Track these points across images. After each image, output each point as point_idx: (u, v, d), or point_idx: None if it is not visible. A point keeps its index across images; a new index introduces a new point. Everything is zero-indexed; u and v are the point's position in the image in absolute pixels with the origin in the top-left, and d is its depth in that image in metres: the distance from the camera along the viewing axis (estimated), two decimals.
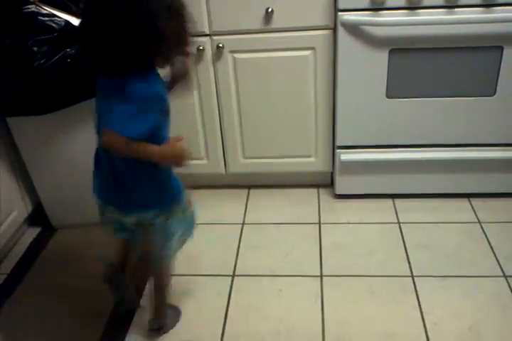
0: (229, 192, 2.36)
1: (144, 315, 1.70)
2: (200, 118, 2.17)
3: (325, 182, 2.35)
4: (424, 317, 1.65)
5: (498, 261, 1.87)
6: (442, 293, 1.74)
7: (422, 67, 1.97)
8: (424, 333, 1.59)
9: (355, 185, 2.23)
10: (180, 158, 1.28)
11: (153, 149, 1.25)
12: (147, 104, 1.20)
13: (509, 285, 1.76)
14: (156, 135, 1.27)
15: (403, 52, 1.93)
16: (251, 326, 1.65)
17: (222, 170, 2.29)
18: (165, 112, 1.30)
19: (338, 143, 2.13)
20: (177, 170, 1.41)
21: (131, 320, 1.71)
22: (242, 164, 2.27)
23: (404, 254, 1.93)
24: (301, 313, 1.70)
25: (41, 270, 1.96)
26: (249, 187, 2.38)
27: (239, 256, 1.97)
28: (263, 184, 2.38)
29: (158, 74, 1.27)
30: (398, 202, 2.22)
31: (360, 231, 2.08)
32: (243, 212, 2.23)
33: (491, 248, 1.94)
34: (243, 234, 2.09)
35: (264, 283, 1.84)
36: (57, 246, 2.08)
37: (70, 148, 2.00)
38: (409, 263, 1.88)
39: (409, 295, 1.75)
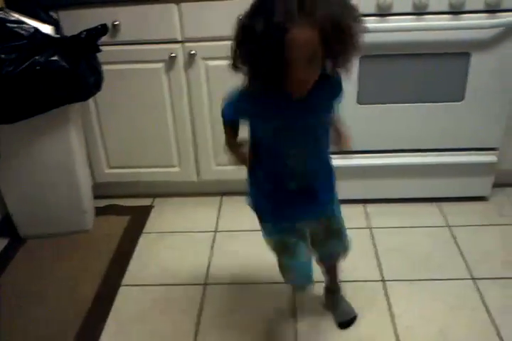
0: (202, 200, 2.35)
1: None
2: (173, 125, 2.17)
3: None
4: (396, 321, 1.67)
5: (467, 264, 1.90)
6: (413, 297, 1.76)
7: (392, 73, 2.00)
8: (394, 337, 1.61)
9: None
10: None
11: (227, 139, 1.36)
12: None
13: (478, 288, 1.78)
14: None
15: (373, 58, 1.96)
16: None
17: (195, 178, 2.29)
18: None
19: None
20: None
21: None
22: (214, 171, 2.27)
23: (375, 259, 1.95)
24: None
25: (11, 279, 1.92)
26: (222, 194, 2.38)
27: (211, 264, 1.96)
28: (236, 191, 2.37)
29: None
30: (369, 207, 2.25)
31: None
32: (215, 219, 2.23)
33: (460, 251, 1.97)
34: (216, 242, 2.08)
35: (238, 290, 1.84)
36: (25, 256, 2.05)
37: (40, 158, 1.97)
38: (380, 267, 1.90)
39: (380, 299, 1.76)
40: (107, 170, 2.28)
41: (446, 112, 2.06)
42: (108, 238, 2.13)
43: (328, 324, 1.67)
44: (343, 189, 2.22)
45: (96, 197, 2.27)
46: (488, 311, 1.69)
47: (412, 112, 2.07)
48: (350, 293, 1.77)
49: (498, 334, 1.60)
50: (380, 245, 2.02)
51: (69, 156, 2.01)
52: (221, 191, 2.38)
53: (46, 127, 1.93)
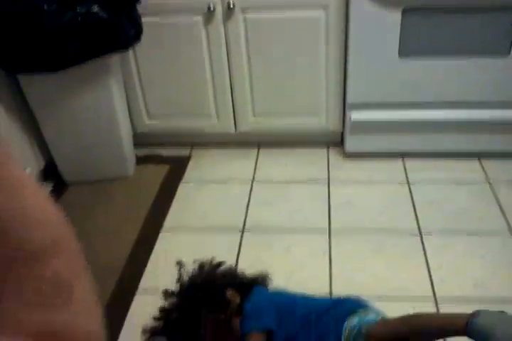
0: (239, 151, 2.37)
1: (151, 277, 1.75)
2: (211, 77, 2.16)
3: (335, 141, 2.35)
4: (432, 274, 1.68)
5: (506, 219, 1.89)
6: (450, 251, 1.77)
7: (436, 26, 1.93)
8: (431, 290, 1.63)
9: (365, 144, 2.24)
10: None
11: None
12: None
13: None
14: None
15: (416, 11, 1.89)
16: None
17: (232, 129, 2.29)
18: None
19: (349, 101, 2.12)
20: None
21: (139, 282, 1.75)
22: (251, 122, 2.27)
23: (413, 213, 1.94)
24: (309, 270, 1.74)
25: None
26: (258, 145, 2.39)
27: (248, 213, 1.99)
28: (273, 143, 2.38)
29: None
30: (408, 161, 2.23)
31: (369, 189, 2.09)
32: (253, 170, 2.24)
33: (500, 207, 1.95)
34: (253, 192, 2.11)
35: (273, 239, 1.87)
36: (69, 200, 2.12)
37: (82, 106, 2.00)
38: (417, 221, 1.90)
39: (417, 252, 1.77)
40: (148, 121, 2.31)
41: (490, 66, 1.99)
42: (148, 185, 2.18)
43: (364, 270, 1.70)
44: (381, 142, 2.22)
45: (136, 146, 2.31)
46: None
47: (455, 66, 2.01)
48: (386, 246, 1.79)
49: None
50: (418, 199, 2.01)
51: (110, 105, 2.04)
52: (258, 142, 2.39)
53: (88, 77, 1.95)
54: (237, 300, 1.40)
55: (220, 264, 1.52)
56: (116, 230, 1.94)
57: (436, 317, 1.22)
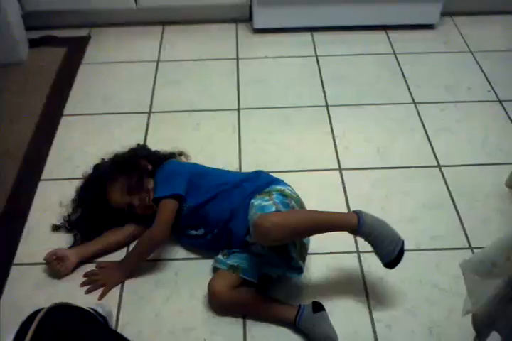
0: (142, 30, 2.22)
1: None
2: None
3: (243, 17, 2.25)
4: (336, 142, 1.72)
5: (409, 89, 1.93)
6: (354, 120, 1.81)
7: None
8: (335, 158, 1.67)
9: (273, 19, 2.15)
10: None
11: None
12: None
13: (418, 112, 1.83)
14: None
15: None
16: None
17: (133, 4, 2.13)
18: None
19: None
20: None
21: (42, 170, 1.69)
22: None
23: (321, 86, 1.94)
24: (219, 144, 1.73)
25: None
26: (163, 23, 2.25)
27: (155, 93, 1.92)
28: (178, 19, 2.25)
29: None
30: (317, 35, 2.18)
31: (278, 65, 2.05)
32: (158, 49, 2.13)
33: (404, 77, 1.98)
34: (159, 71, 2.02)
35: (182, 117, 1.83)
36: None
37: None
38: (324, 93, 1.91)
39: (323, 123, 1.79)
40: None
41: None
42: (45, 69, 2.03)
43: (273, 142, 1.71)
44: (290, 17, 2.15)
45: (29, 28, 2.11)
46: (425, 132, 1.75)
47: None
48: (294, 119, 1.80)
49: (433, 152, 1.68)
50: (326, 72, 2.00)
51: None
52: (162, 20, 2.25)
53: None
54: (149, 167, 1.43)
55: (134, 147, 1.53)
56: (13, 119, 1.82)
57: (328, 213, 1.23)
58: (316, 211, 1.25)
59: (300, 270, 1.27)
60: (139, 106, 1.87)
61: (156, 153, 1.52)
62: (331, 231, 1.23)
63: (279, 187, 1.33)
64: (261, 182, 1.38)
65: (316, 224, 1.21)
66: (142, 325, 1.25)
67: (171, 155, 1.52)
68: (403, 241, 1.21)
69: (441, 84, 1.95)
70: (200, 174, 1.42)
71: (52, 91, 1.93)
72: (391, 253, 1.19)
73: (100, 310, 1.13)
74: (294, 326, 1.23)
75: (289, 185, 1.39)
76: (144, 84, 1.96)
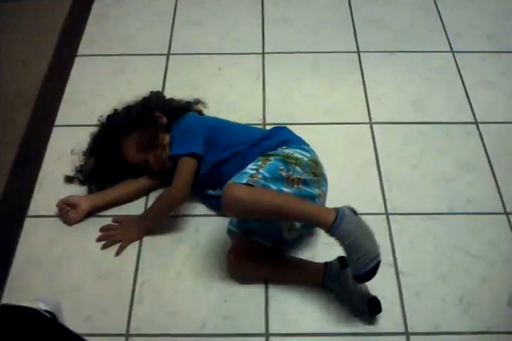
0: None
1: None
2: None
3: None
4: (367, 93, 1.61)
5: (448, 37, 1.78)
6: (387, 69, 1.68)
7: None
8: (365, 109, 1.57)
9: None
10: None
11: None
12: None
13: (456, 62, 1.70)
14: None
15: None
16: None
17: None
18: None
19: None
20: None
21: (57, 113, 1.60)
22: None
23: (352, 30, 1.80)
24: (241, 92, 1.63)
25: None
26: None
27: (174, 34, 1.80)
28: None
29: None
30: None
31: (307, 5, 1.89)
32: None
33: (443, 23, 1.83)
34: (178, 9, 1.88)
35: (203, 61, 1.72)
36: None
37: None
38: (356, 38, 1.77)
39: (354, 72, 1.68)
40: None
41: None
42: (57, 6, 1.90)
43: (299, 91, 1.61)
44: None
45: None
46: (463, 84, 1.63)
47: None
48: (323, 65, 1.68)
49: (471, 107, 1.57)
50: (358, 15, 1.85)
51: None
52: None
53: None
54: (164, 120, 1.34)
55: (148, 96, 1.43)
56: (25, 58, 1.72)
57: (302, 204, 1.10)
58: (291, 198, 1.11)
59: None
60: (158, 48, 1.75)
61: (171, 103, 1.42)
62: (300, 222, 1.15)
63: (287, 151, 1.21)
64: (272, 141, 1.27)
65: (280, 211, 1.08)
66: (161, 284, 1.21)
67: (188, 105, 1.42)
68: (379, 261, 1.06)
69: (483, 32, 1.80)
70: (220, 130, 1.33)
71: (65, 29, 1.82)
72: (362, 267, 1.05)
73: (43, 306, 1.03)
74: (323, 286, 1.18)
75: (306, 145, 1.27)
76: (162, 23, 1.83)
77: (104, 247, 1.27)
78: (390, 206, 1.33)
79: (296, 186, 1.14)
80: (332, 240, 1.06)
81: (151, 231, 1.29)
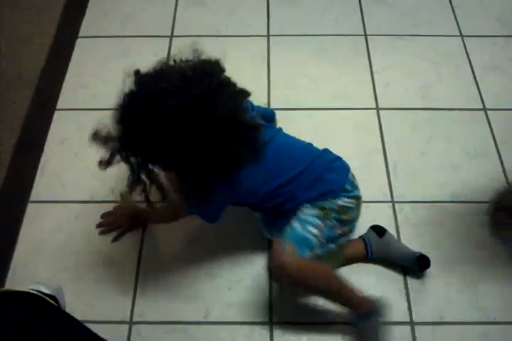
0: None
1: None
2: None
3: None
4: (375, 78, 1.58)
5: (456, 19, 1.74)
6: (395, 53, 1.65)
7: None
8: (372, 95, 1.54)
9: None
10: None
11: None
12: None
13: (465, 46, 1.67)
14: None
15: None
16: None
17: None
18: None
19: None
20: None
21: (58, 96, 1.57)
22: None
23: (359, 12, 1.76)
24: (245, 76, 1.57)
25: None
26: None
27: (177, 15, 1.76)
28: None
29: None
30: None
31: None
32: None
33: (451, 5, 1.79)
34: None
35: (206, 43, 1.68)
36: None
37: None
38: (363, 21, 1.73)
39: (361, 56, 1.64)
40: None
41: None
42: None
43: (305, 75, 1.58)
44: None
45: None
46: (472, 69, 1.60)
47: None
48: (329, 48, 1.65)
49: (480, 93, 1.54)
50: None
51: None
52: None
53: None
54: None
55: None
56: (26, 38, 1.68)
57: (353, 291, 1.05)
58: (340, 285, 1.06)
59: None
60: (161, 29, 1.71)
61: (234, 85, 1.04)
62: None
63: (340, 203, 1.09)
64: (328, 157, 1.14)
65: (324, 295, 1.08)
66: (165, 271, 1.20)
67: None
68: (417, 256, 1.16)
69: (494, 15, 1.75)
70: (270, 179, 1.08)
71: (66, 9, 1.77)
72: (412, 268, 1.17)
73: (44, 289, 1.03)
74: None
75: (347, 170, 1.15)
76: (165, 4, 1.79)
77: (101, 233, 1.25)
78: (396, 194, 1.32)
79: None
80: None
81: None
